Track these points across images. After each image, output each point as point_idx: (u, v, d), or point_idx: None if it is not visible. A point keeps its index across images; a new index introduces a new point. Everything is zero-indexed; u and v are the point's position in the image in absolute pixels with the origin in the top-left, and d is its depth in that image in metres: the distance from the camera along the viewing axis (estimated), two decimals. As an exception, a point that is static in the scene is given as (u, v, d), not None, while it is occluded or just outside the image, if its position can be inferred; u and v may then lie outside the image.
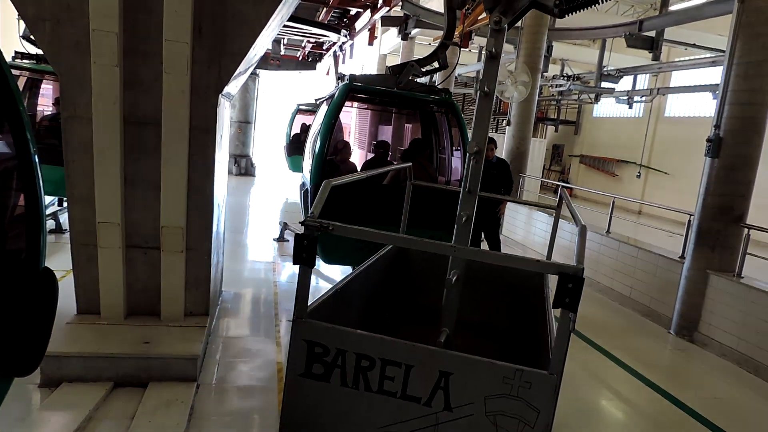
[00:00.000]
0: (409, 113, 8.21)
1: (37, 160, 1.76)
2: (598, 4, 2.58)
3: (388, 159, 7.19)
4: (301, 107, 16.23)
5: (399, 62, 6.82)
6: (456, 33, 6.05)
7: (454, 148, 6.71)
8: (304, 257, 2.14)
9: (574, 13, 2.62)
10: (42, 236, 1.79)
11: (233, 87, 4.97)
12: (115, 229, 4.24)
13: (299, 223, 2.26)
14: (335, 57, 14.84)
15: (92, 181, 4.17)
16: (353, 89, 5.80)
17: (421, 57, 6.06)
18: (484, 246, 7.71)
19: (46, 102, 9.10)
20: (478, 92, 2.64)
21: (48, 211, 7.81)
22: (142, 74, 4.15)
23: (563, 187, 4.87)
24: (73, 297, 4.40)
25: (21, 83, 8.37)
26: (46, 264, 1.82)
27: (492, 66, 2.58)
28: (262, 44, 4.85)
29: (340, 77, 6.27)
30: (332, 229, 2.14)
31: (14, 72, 6.07)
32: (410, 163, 4.60)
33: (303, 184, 6.70)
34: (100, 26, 3.86)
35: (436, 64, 6.03)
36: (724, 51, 6.38)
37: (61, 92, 4.17)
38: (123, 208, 4.27)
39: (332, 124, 5.67)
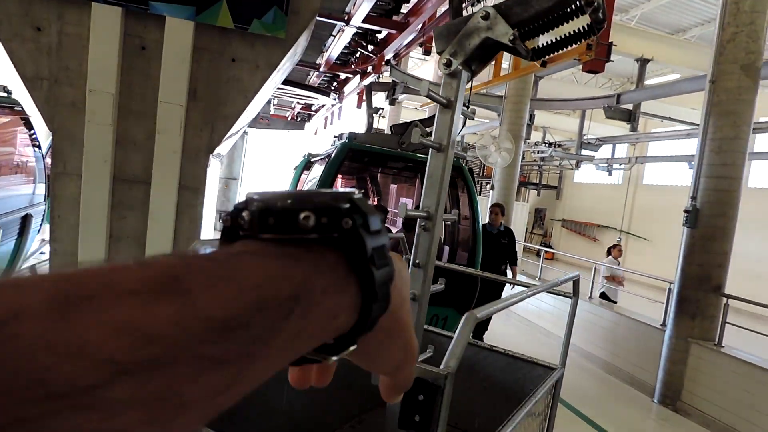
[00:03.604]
0: (413, 176, 7.77)
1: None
2: (572, 45, 2.24)
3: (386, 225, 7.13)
4: (312, 158, 11.14)
5: (398, 123, 6.54)
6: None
7: (463, 217, 6.31)
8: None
9: (549, 55, 2.25)
10: None
11: (224, 148, 5.06)
12: (96, 286, 4.19)
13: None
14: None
15: (77, 236, 4.16)
16: (352, 149, 5.50)
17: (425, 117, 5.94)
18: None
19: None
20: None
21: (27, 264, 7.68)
22: (135, 133, 4.22)
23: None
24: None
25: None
26: None
27: (445, 116, 2.21)
28: (254, 107, 4.98)
29: (338, 136, 6.03)
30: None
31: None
32: (402, 234, 4.52)
33: None
34: (97, 86, 3.96)
35: None
36: (697, 124, 6.69)
37: (53, 149, 4.21)
38: (107, 240, 4.25)
39: (330, 185, 5.36)
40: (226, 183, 17.66)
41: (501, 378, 3.33)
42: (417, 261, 2.27)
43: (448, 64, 2.08)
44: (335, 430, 3.23)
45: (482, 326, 7.46)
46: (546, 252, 21.67)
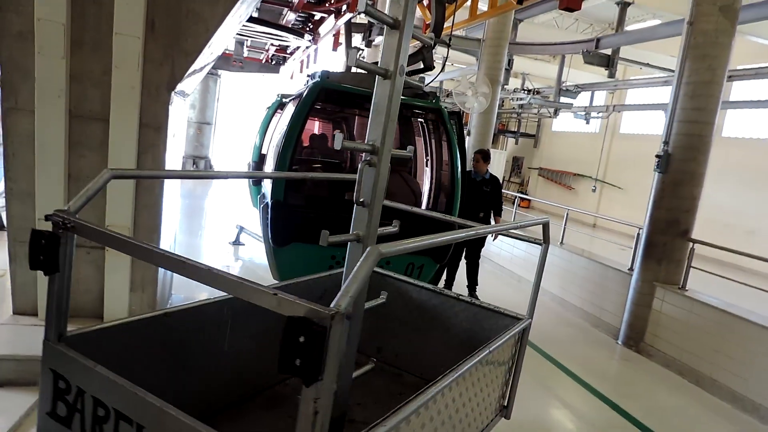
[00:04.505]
0: None
1: None
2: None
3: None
4: (285, 99, 9.21)
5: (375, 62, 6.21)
6: (444, 31, 5.47)
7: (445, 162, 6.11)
8: (41, 261, 1.66)
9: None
10: None
11: (188, 85, 4.86)
12: (56, 227, 4.07)
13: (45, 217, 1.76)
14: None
15: (33, 176, 4.00)
16: (325, 89, 5.25)
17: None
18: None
19: None
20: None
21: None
22: (90, 67, 4.00)
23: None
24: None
25: None
26: None
27: (391, 38, 1.96)
28: (218, 43, 4.76)
29: (311, 75, 5.77)
30: (74, 228, 1.66)
31: None
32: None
33: (263, 196, 5.93)
34: (45, 15, 3.71)
35: (421, 65, 5.53)
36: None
37: (2, 82, 3.98)
38: (66, 204, 4.10)
39: (300, 128, 5.18)
40: (199, 128, 17.23)
41: (467, 328, 3.30)
42: (361, 199, 2.11)
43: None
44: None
45: (473, 281, 7.46)
46: (522, 200, 21.93)
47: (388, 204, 3.47)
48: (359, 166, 2.08)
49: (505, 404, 3.04)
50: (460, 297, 3.37)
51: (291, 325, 1.19)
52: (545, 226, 3.01)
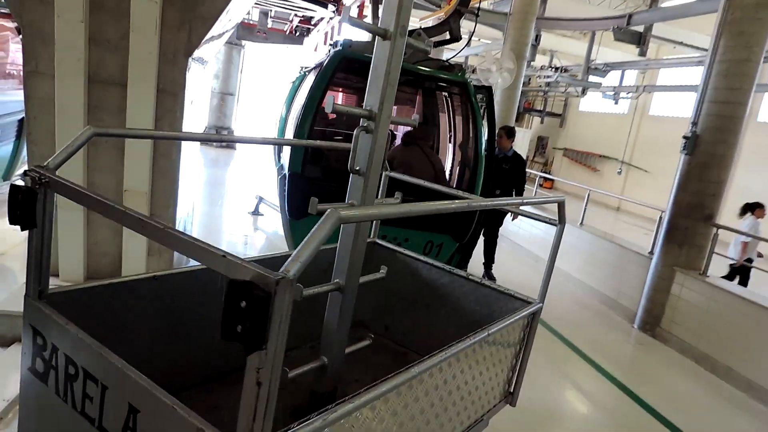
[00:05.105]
0: (414, 92, 7.25)
1: None
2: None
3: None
4: (306, 70, 8.17)
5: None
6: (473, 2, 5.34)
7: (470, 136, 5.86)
8: (18, 215, 1.65)
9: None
10: None
11: (206, 52, 4.84)
12: (74, 191, 4.13)
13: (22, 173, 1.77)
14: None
15: (54, 140, 4.04)
16: (347, 57, 5.04)
17: (429, 26, 5.21)
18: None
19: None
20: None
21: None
22: (109, 32, 3.99)
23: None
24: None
25: None
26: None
27: None
28: (237, 9, 4.71)
29: (333, 44, 5.61)
30: (47, 182, 1.62)
31: None
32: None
33: (281, 168, 5.80)
34: (65, -22, 3.70)
35: (447, 36, 5.31)
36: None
37: (23, 46, 4.00)
38: (85, 168, 4.15)
39: (319, 99, 4.97)
40: (222, 98, 17.25)
41: (476, 309, 3.19)
42: (357, 167, 2.03)
43: None
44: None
45: (489, 258, 7.42)
46: (545, 180, 21.61)
47: (395, 176, 3.38)
48: (355, 132, 1.99)
49: (511, 391, 2.94)
50: (471, 277, 3.24)
51: (232, 289, 1.13)
52: (560, 205, 2.78)
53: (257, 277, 1.13)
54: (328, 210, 1.32)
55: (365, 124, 1.96)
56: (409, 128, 5.99)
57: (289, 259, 1.17)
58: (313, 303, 2.10)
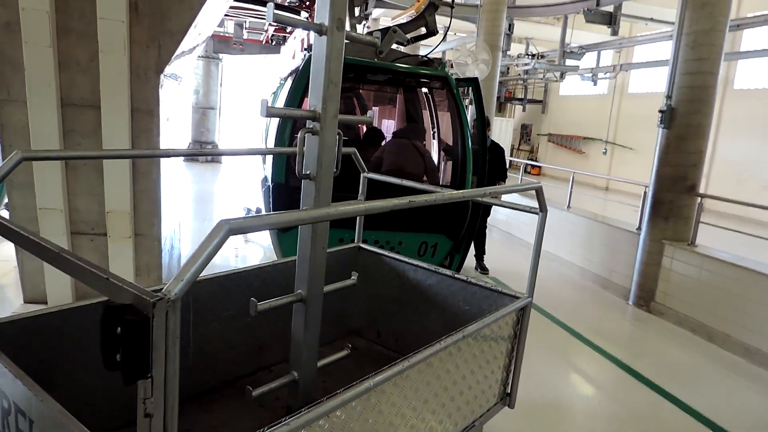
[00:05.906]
0: (393, 90, 6.99)
1: None
2: None
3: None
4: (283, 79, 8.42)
5: (373, 30, 5.94)
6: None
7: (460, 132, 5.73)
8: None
9: None
10: None
11: (179, 68, 4.84)
12: (57, 216, 4.13)
13: None
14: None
15: (31, 167, 4.04)
16: None
17: (404, 22, 5.16)
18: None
19: None
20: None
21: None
22: (78, 54, 4.00)
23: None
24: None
25: None
26: None
27: None
28: (206, 23, 4.72)
29: (307, 48, 5.65)
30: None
31: None
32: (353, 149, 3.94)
33: (264, 180, 5.72)
34: (29, 4, 3.71)
35: (423, 31, 5.25)
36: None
37: (-7, 75, 4.00)
38: (65, 194, 4.15)
39: (297, 105, 4.84)
40: (204, 113, 17.21)
41: (465, 309, 3.13)
42: (306, 171, 1.91)
43: None
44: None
45: (480, 250, 7.44)
46: (532, 167, 21.72)
47: (373, 176, 3.33)
48: (299, 135, 1.91)
49: (508, 392, 2.85)
50: (456, 276, 3.17)
51: (107, 315, 1.02)
52: (538, 192, 2.66)
53: (136, 300, 1.04)
54: (219, 221, 1.23)
55: (311, 126, 1.89)
56: (400, 126, 5.95)
57: (174, 277, 1.08)
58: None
